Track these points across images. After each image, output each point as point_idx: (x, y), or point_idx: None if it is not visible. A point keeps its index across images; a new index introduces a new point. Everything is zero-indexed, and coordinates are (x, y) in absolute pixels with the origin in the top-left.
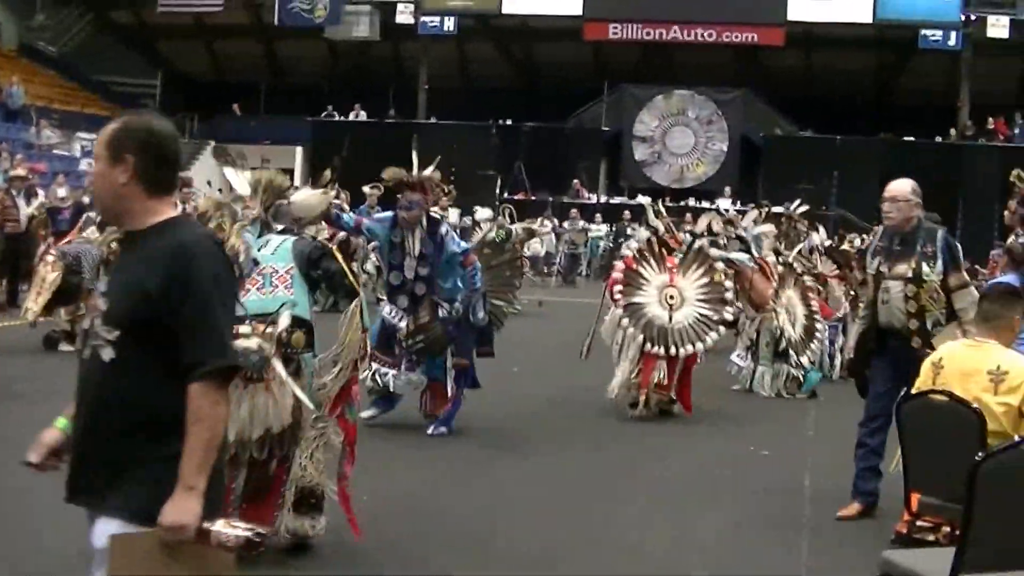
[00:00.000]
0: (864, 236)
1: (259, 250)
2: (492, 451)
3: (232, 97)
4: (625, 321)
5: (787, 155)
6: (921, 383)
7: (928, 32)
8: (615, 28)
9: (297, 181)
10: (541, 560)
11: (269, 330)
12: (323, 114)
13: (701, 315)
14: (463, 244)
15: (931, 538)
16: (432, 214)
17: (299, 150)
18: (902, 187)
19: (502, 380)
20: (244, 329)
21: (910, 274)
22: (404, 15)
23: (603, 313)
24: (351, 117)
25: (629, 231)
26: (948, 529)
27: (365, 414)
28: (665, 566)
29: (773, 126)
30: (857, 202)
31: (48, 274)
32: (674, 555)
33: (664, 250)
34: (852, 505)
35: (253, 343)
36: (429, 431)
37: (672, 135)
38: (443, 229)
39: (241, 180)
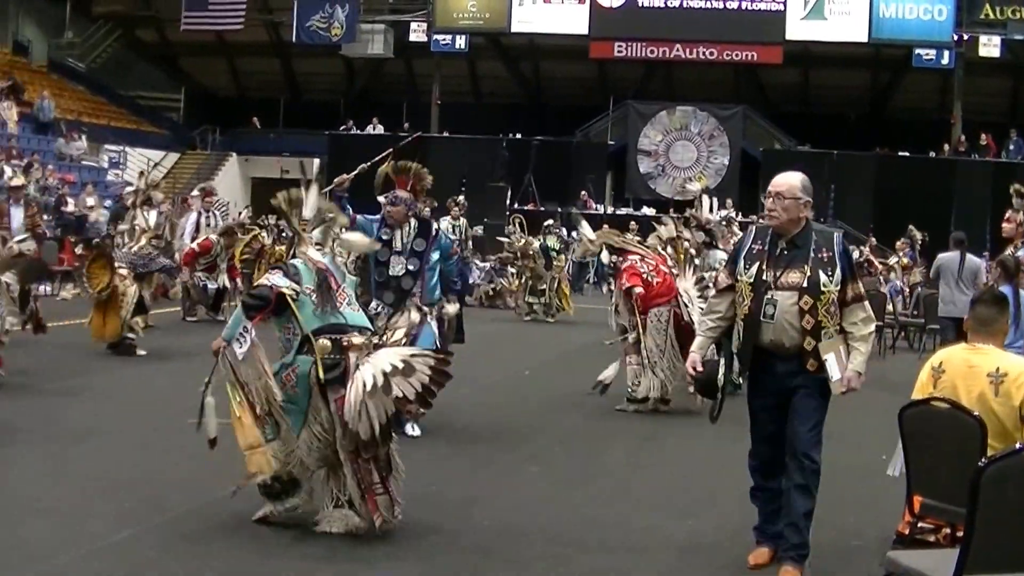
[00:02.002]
0: (860, 248)
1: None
2: (503, 452)
3: (252, 111)
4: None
5: (785, 169)
6: (921, 388)
7: (922, 51)
8: (620, 47)
9: (315, 191)
10: (550, 559)
11: (375, 340)
12: (342, 128)
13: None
14: (452, 238)
15: (932, 539)
16: (422, 216)
17: (316, 162)
18: (790, 181)
19: (514, 383)
20: (358, 340)
21: (805, 284)
22: (417, 33)
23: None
24: (368, 131)
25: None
26: (949, 531)
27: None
28: (670, 566)
29: (772, 141)
30: (853, 214)
31: (127, 288)
32: (679, 555)
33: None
34: (761, 550)
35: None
36: (407, 430)
37: (675, 149)
38: (435, 227)
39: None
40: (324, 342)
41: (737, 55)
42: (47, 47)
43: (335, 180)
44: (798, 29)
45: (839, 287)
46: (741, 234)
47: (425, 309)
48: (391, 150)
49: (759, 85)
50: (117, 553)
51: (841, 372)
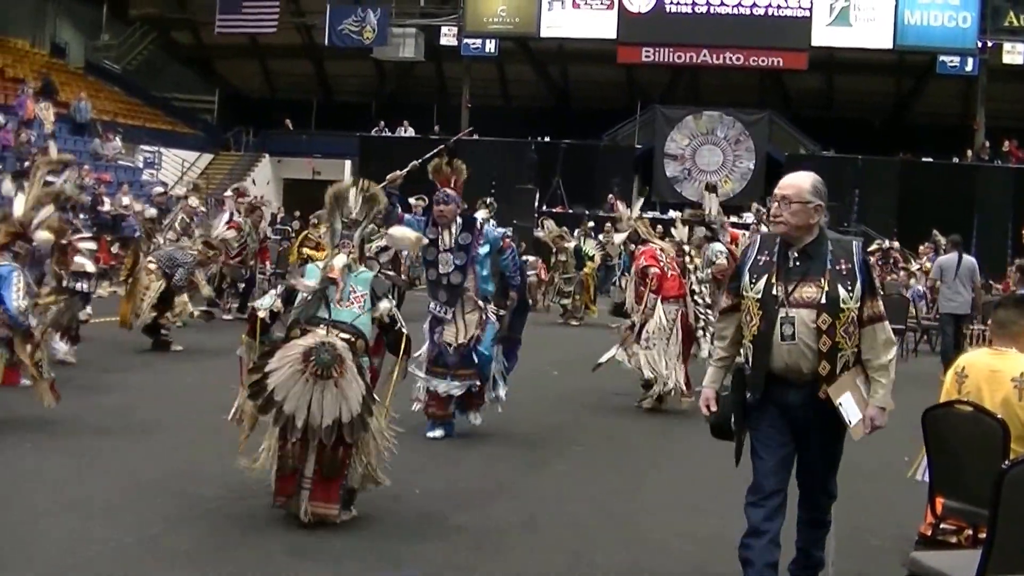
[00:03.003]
0: (881, 242)
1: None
2: (528, 449)
3: (284, 113)
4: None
5: None
6: (946, 393)
7: (946, 58)
8: (647, 52)
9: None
10: (571, 553)
11: (343, 336)
12: (374, 130)
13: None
14: (500, 230)
15: (954, 540)
16: (467, 215)
17: (347, 163)
18: (797, 183)
19: (542, 382)
20: (320, 331)
21: (823, 300)
22: (448, 37)
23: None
24: (399, 133)
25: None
26: (971, 532)
27: (431, 434)
28: (689, 561)
29: (797, 146)
30: (877, 219)
31: (152, 282)
32: (703, 551)
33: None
34: None
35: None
36: (469, 418)
37: (701, 153)
38: (479, 220)
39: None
40: (296, 332)
41: (763, 61)
42: (84, 49)
43: (388, 177)
44: (823, 35)
45: (858, 303)
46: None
47: (482, 304)
48: (443, 147)
49: (784, 90)
50: (148, 547)
51: (861, 412)
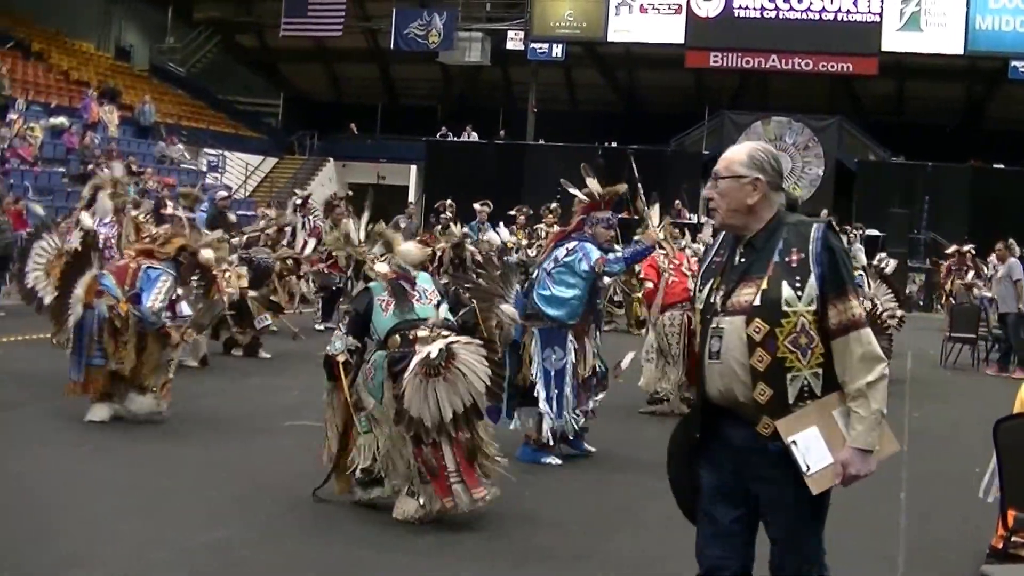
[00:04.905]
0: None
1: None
2: (598, 458)
3: (350, 117)
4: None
5: (880, 180)
6: (1020, 403)
7: (1018, 63)
8: (715, 56)
9: (411, 196)
10: (634, 567)
11: (444, 333)
12: (438, 134)
13: None
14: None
15: None
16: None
17: (413, 168)
18: (731, 154)
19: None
20: (423, 332)
21: (758, 301)
22: (514, 41)
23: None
24: (463, 137)
25: None
26: None
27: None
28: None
29: (867, 152)
30: (947, 226)
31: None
32: (759, 562)
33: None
34: None
35: (438, 344)
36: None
37: None
38: None
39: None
40: (395, 338)
41: (832, 66)
42: (149, 52)
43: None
44: (894, 40)
45: (813, 305)
46: None
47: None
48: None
49: (853, 96)
50: (210, 552)
51: (834, 455)
